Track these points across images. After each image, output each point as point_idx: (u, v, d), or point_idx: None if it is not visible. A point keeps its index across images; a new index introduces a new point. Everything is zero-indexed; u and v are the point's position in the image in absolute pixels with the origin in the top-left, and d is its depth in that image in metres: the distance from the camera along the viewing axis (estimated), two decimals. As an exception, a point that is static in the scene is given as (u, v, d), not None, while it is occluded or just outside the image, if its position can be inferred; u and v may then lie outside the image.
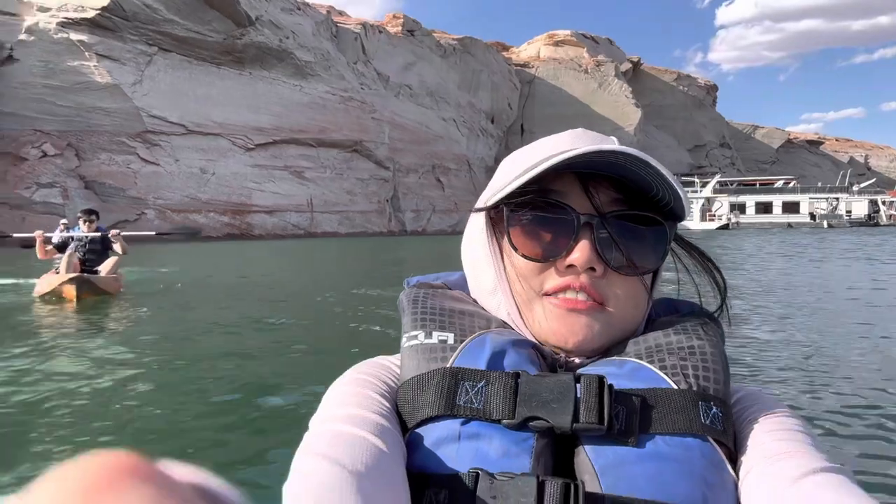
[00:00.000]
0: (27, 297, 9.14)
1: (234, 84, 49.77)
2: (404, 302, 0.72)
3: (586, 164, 0.63)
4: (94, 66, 41.74)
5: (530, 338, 0.67)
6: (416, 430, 0.60)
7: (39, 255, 9.32)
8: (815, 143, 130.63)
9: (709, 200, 72.59)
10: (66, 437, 3.18)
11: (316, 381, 4.13)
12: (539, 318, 0.66)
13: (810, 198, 72.57)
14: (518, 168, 0.68)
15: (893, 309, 8.03)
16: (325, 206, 54.97)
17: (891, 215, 71.58)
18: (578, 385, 0.59)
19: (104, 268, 9.40)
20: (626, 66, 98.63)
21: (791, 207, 72.40)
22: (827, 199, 72.68)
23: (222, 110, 48.64)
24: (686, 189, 0.62)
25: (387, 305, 8.29)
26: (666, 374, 0.61)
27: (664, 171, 0.62)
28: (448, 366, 0.62)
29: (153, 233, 11.00)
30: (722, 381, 0.62)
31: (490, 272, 0.70)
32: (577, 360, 0.66)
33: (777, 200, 73.68)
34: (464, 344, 0.64)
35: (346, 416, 0.59)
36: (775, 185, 78.25)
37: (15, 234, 10.44)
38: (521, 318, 0.68)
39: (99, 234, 9.47)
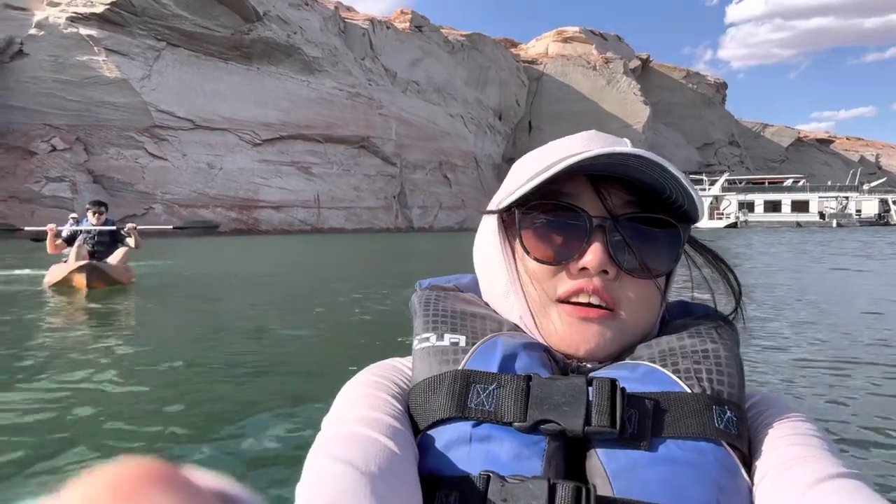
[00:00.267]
0: (37, 289, 9.10)
1: (242, 79, 49.82)
2: (416, 304, 0.72)
3: (598, 166, 0.63)
4: (104, 60, 41.90)
5: (542, 341, 0.67)
6: (428, 432, 0.60)
7: (49, 250, 9.25)
8: (825, 142, 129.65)
9: (717, 199, 72.13)
10: (80, 437, 3.14)
11: (330, 380, 4.09)
12: (551, 324, 0.66)
13: (820, 196, 72.01)
14: (530, 170, 0.68)
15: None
16: (331, 201, 55.02)
17: (902, 214, 70.98)
18: (590, 388, 0.59)
19: (113, 259, 9.34)
20: (635, 63, 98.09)
21: (800, 206, 71.87)
22: (836, 197, 72.10)
23: (230, 105, 48.72)
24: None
25: (393, 305, 8.26)
26: (679, 377, 0.61)
27: (678, 174, 0.61)
28: (460, 368, 0.62)
29: (170, 227, 10.91)
30: (736, 384, 0.61)
31: (502, 275, 0.70)
32: (588, 364, 0.66)
33: (786, 199, 73.15)
34: (475, 346, 0.64)
35: (358, 418, 0.59)
36: (784, 184, 77.66)
37: (27, 228, 10.42)
38: (534, 321, 0.67)
39: (108, 227, 9.42)
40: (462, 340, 0.65)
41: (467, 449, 0.58)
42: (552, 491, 0.54)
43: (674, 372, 0.61)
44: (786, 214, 71.58)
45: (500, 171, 76.78)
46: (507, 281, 0.69)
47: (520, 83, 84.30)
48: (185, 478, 0.21)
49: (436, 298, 0.72)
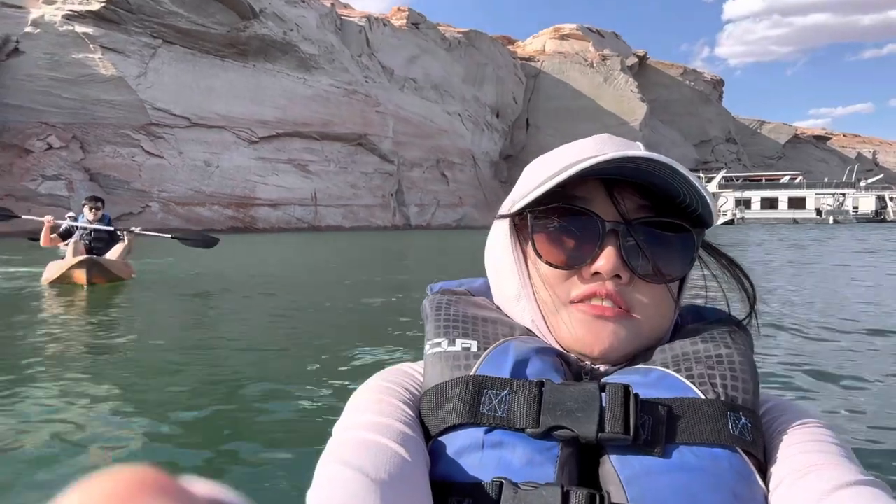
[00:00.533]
0: (35, 285, 8.94)
1: (238, 77, 49.64)
2: (428, 308, 0.72)
3: (611, 170, 0.62)
4: (99, 58, 41.71)
5: (555, 345, 0.66)
6: (440, 438, 0.60)
7: (43, 242, 9.06)
8: (822, 139, 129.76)
9: (714, 196, 71.98)
10: (78, 443, 3.09)
11: (341, 384, 4.04)
12: (565, 326, 0.66)
13: (816, 193, 72.22)
14: (542, 174, 0.67)
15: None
16: (329, 199, 54.89)
17: (898, 211, 71.15)
18: (604, 394, 0.58)
19: (113, 255, 9.17)
20: (632, 60, 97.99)
21: (797, 203, 72.06)
22: (833, 194, 72.28)
23: (226, 103, 48.55)
24: None
25: (396, 303, 8.23)
26: (693, 383, 0.60)
27: (692, 178, 0.61)
28: (472, 374, 0.62)
29: (168, 235, 10.64)
30: (751, 390, 0.61)
31: (514, 279, 0.69)
32: (602, 369, 0.65)
33: (783, 196, 73.36)
34: (487, 352, 0.64)
35: (369, 424, 0.59)
36: (781, 181, 77.84)
37: (25, 216, 10.37)
38: (546, 325, 0.67)
39: (106, 227, 9.26)
40: (474, 345, 0.65)
41: (479, 455, 0.57)
42: (566, 498, 0.53)
43: (687, 377, 0.61)
44: (783, 211, 71.76)
45: (498, 169, 76.70)
46: (519, 284, 0.69)
47: (517, 80, 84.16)
48: (180, 486, 0.21)
49: (447, 303, 0.71)
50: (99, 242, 9.23)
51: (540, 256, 0.67)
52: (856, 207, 72.09)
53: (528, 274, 0.69)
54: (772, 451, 0.60)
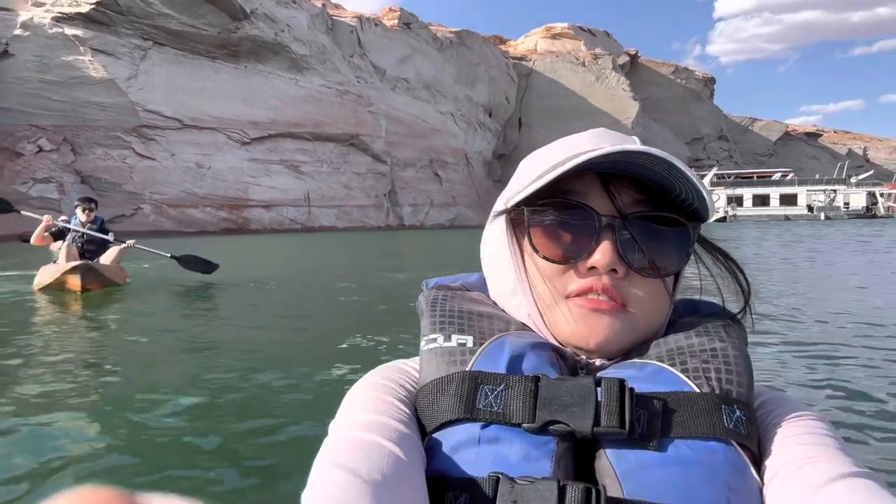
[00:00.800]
0: (26, 290, 8.71)
1: (230, 78, 49.46)
2: (423, 304, 0.72)
3: (608, 164, 0.62)
4: (89, 60, 41.48)
5: (551, 339, 0.66)
6: (436, 434, 0.60)
7: (34, 241, 8.84)
8: (813, 136, 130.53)
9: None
10: (63, 459, 3.05)
11: (336, 382, 4.06)
12: (561, 320, 0.66)
13: (808, 190, 72.55)
14: (538, 168, 0.67)
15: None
16: (322, 200, 54.79)
17: (889, 207, 71.61)
18: (599, 388, 0.58)
19: (107, 258, 8.99)
20: (624, 58, 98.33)
21: (788, 200, 72.38)
22: (824, 191, 72.68)
23: (218, 104, 48.36)
24: None
25: (393, 302, 8.23)
26: (688, 376, 0.60)
27: (688, 172, 0.61)
28: (467, 369, 0.62)
29: (167, 255, 10.39)
30: (745, 384, 0.61)
31: (510, 273, 0.69)
32: (597, 363, 0.65)
33: (774, 193, 73.64)
34: (483, 347, 0.64)
35: (364, 423, 0.59)
36: (773, 178, 78.18)
37: (24, 212, 10.18)
38: (543, 319, 0.67)
39: (100, 236, 9.05)
40: (469, 341, 0.65)
41: (476, 450, 0.58)
42: (562, 492, 0.54)
43: (682, 371, 0.61)
44: (774, 208, 72.04)
45: (491, 168, 76.76)
46: (516, 279, 0.69)
47: (509, 80, 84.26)
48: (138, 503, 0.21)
49: (442, 298, 0.71)
50: (91, 245, 9.05)
51: (536, 251, 0.67)
52: (847, 204, 72.49)
53: (525, 268, 0.69)
54: (766, 444, 0.60)
